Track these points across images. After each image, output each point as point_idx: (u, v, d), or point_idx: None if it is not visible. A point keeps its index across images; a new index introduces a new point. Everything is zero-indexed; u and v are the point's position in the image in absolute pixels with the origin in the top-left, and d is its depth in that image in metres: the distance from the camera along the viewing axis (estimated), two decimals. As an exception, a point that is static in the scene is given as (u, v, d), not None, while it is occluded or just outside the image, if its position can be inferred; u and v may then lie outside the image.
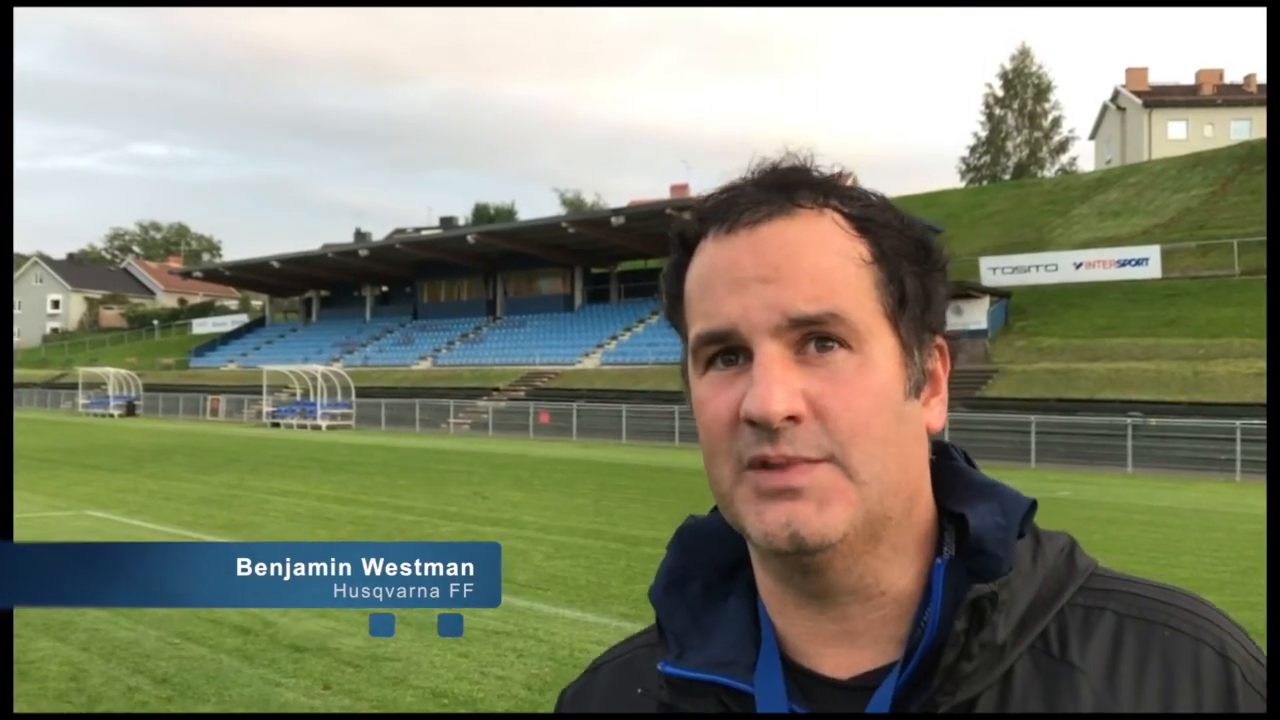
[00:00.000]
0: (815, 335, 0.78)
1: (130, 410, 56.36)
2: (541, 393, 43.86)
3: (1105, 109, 79.07)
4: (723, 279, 0.80)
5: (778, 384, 0.76)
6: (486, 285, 58.55)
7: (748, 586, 0.89)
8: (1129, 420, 26.92)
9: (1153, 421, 26.83)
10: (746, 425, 0.77)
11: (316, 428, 44.19)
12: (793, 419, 0.76)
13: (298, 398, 48.93)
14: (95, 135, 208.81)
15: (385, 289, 65.60)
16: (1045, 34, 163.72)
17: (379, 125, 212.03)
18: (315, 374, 47.30)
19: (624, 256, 53.74)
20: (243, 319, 76.79)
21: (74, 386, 62.03)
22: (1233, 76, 73.59)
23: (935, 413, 0.85)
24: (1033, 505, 0.84)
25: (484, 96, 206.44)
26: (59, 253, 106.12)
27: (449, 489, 18.40)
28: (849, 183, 0.85)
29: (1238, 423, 24.61)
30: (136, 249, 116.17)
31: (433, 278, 60.34)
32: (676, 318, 0.87)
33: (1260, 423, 24.55)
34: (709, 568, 0.91)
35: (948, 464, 0.89)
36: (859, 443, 0.77)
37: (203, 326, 77.86)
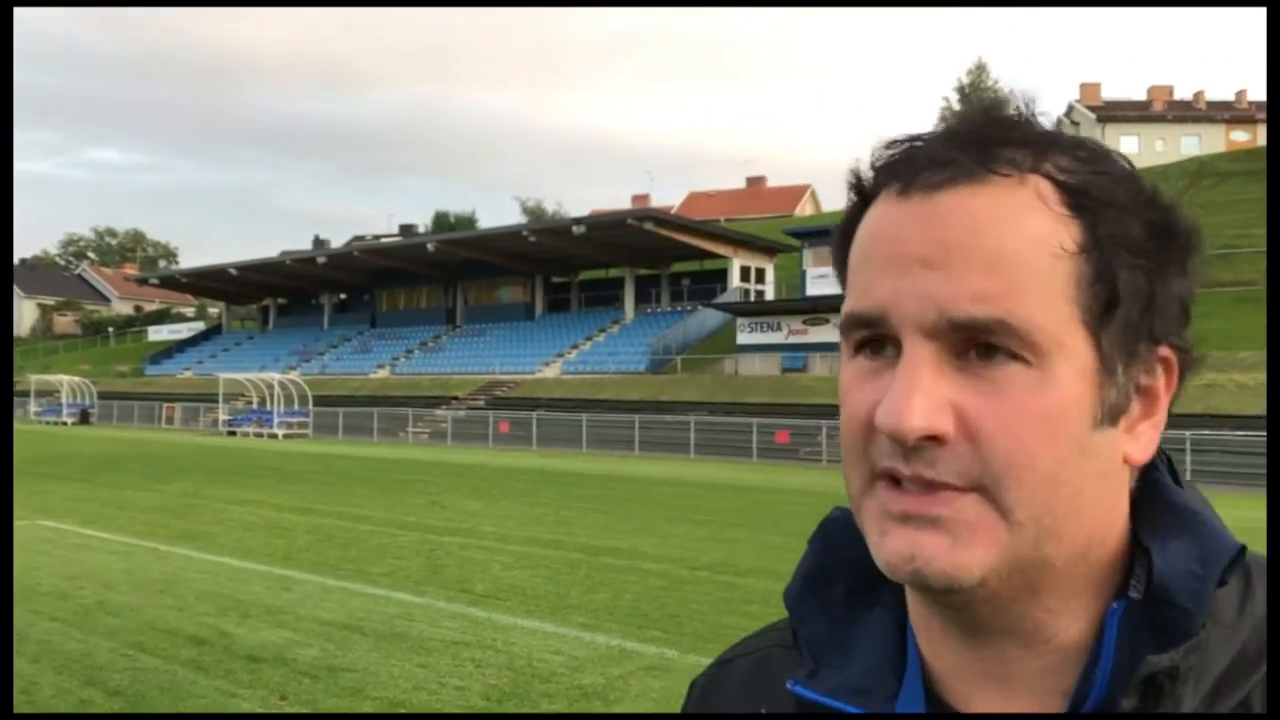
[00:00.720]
0: (983, 342, 0.64)
1: (84, 418, 55.56)
2: (501, 402, 43.75)
3: (1060, 123, 79.71)
4: (882, 251, 0.67)
5: (920, 393, 0.63)
6: (446, 293, 58.33)
7: (895, 598, 0.77)
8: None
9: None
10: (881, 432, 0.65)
11: (273, 436, 43.80)
12: (935, 439, 0.63)
13: (254, 406, 48.49)
14: (50, 139, 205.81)
15: (344, 297, 65.18)
16: (1002, 48, 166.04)
17: (338, 132, 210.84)
18: (272, 382, 46.91)
19: (585, 266, 53.81)
20: (199, 326, 76.01)
21: (26, 394, 60.98)
22: (1182, 93, 75.12)
23: (1142, 441, 0.69)
24: (1240, 551, 0.67)
25: (444, 104, 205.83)
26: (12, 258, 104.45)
27: (407, 498, 18.30)
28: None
29: (1187, 433, 25.14)
30: (91, 255, 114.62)
31: (392, 286, 60.05)
32: (841, 279, 0.73)
33: (1208, 433, 25.10)
34: (855, 569, 0.77)
35: (1145, 477, 0.72)
36: (1018, 475, 0.63)
37: (158, 334, 76.91)
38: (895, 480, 0.65)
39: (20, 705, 5.96)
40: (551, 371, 46.88)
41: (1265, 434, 23.60)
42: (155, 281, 72.99)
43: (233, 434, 45.34)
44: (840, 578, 0.78)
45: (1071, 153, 0.67)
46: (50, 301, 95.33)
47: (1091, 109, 73.99)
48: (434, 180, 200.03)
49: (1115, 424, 0.67)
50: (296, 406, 46.65)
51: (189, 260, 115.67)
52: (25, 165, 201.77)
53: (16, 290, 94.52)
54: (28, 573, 10.08)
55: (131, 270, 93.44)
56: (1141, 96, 75.39)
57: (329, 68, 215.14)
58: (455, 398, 45.46)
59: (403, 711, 6.03)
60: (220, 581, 9.91)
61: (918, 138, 0.69)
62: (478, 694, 6.39)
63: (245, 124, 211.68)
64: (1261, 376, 26.97)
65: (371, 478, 22.87)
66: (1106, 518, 0.68)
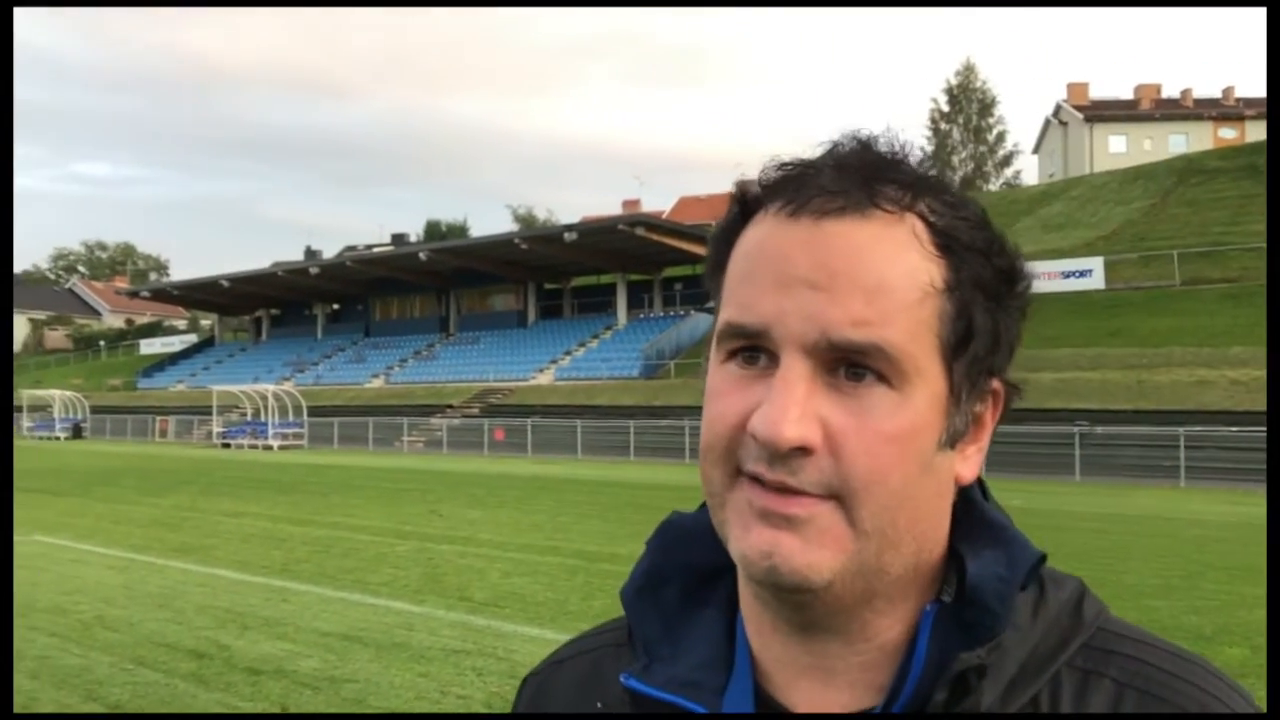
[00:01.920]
0: (854, 362, 0.69)
1: (77, 433, 55.39)
2: (496, 409, 43.71)
3: (1048, 123, 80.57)
4: (769, 270, 0.71)
5: (795, 407, 0.68)
6: (439, 302, 58.31)
7: (728, 599, 0.82)
8: (1076, 429, 27.38)
9: (1099, 430, 27.33)
10: (752, 438, 0.69)
11: (268, 448, 43.68)
12: (803, 449, 0.68)
13: (249, 418, 48.36)
14: (35, 154, 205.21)
15: (337, 307, 65.11)
16: (989, 49, 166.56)
17: (326, 142, 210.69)
18: (266, 393, 46.78)
19: (577, 272, 53.80)
20: (191, 339, 75.79)
21: (19, 410, 60.77)
22: (1170, 91, 75.36)
23: (970, 464, 0.76)
24: (1041, 558, 0.75)
25: (429, 113, 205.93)
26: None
27: (404, 508, 18.29)
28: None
29: (1180, 430, 25.18)
30: (82, 269, 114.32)
31: (385, 295, 60.01)
32: (714, 285, 0.78)
33: (1201, 429, 25.14)
34: (689, 572, 0.83)
35: (961, 493, 0.78)
36: (872, 491, 0.69)
37: (150, 347, 76.72)
38: (759, 480, 0.70)
39: (22, 721, 5.96)
40: (545, 378, 46.86)
41: (1260, 429, 23.65)
42: (146, 294, 72.79)
43: (227, 446, 45.21)
44: (675, 579, 0.83)
45: (939, 196, 0.73)
46: (41, 316, 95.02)
47: (1079, 109, 74.24)
48: (424, 189, 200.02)
49: (953, 447, 0.74)
50: (291, 417, 46.54)
51: (180, 272, 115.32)
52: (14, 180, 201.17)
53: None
54: (25, 588, 10.05)
55: (122, 283, 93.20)
56: (1129, 95, 75.66)
57: (311, 77, 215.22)
58: (450, 406, 45.41)
59: (401, 711, 6.04)
60: (218, 594, 9.90)
61: (807, 164, 0.74)
62: (480, 703, 6.39)
63: (232, 135, 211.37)
64: (1254, 372, 27.05)
65: (368, 487, 22.85)
66: (936, 530, 0.75)
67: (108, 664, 7.25)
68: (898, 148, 0.74)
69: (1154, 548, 13.17)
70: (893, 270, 0.69)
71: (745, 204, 0.76)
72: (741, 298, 0.72)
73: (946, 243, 0.71)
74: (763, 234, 0.73)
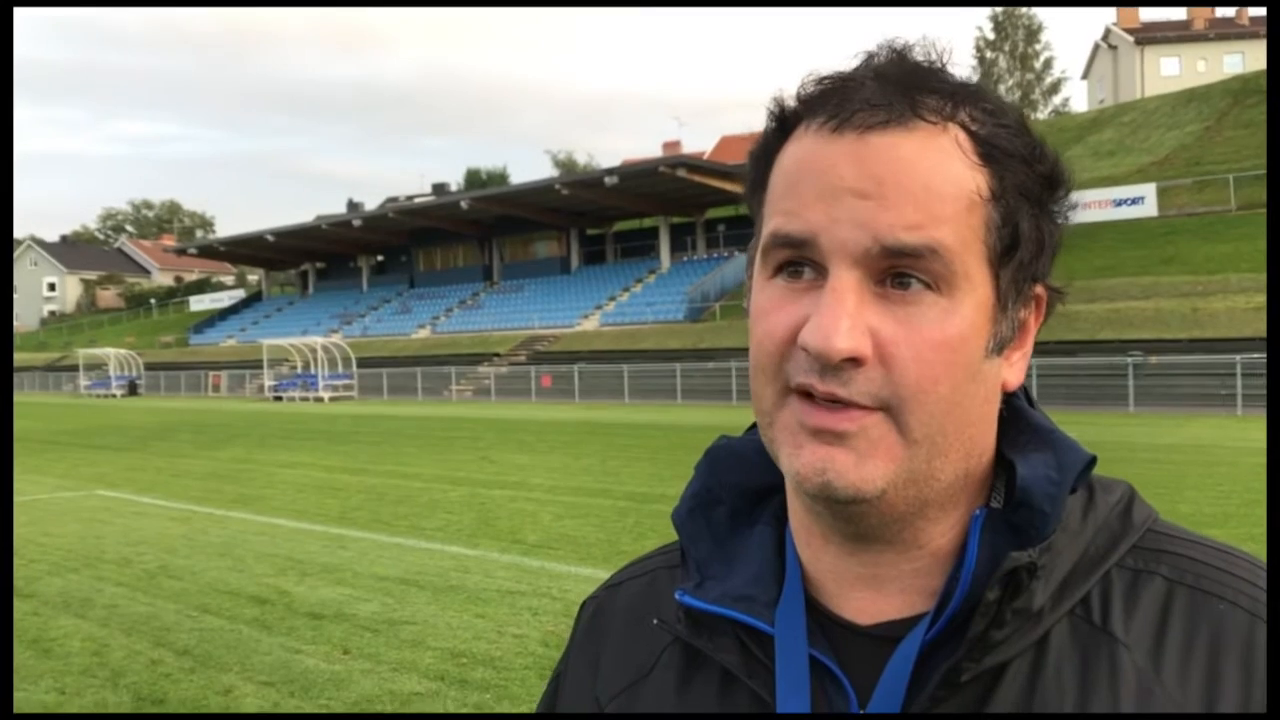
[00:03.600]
0: (903, 270, 0.69)
1: (132, 390, 56.48)
2: (542, 356, 43.92)
3: (1097, 48, 78.47)
4: (815, 181, 0.71)
5: (846, 317, 0.68)
6: (482, 250, 58.44)
7: (776, 516, 0.83)
8: (1129, 360, 26.99)
9: (1153, 360, 26.91)
10: (802, 351, 0.70)
11: (319, 400, 44.31)
12: (854, 360, 0.68)
13: (299, 370, 49.02)
14: (76, 115, 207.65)
15: (381, 259, 65.49)
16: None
17: (364, 94, 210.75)
18: (315, 346, 47.36)
19: (619, 217, 53.61)
20: (240, 294, 76.77)
21: (75, 369, 62.08)
22: (1224, 10, 72.97)
23: (1016, 369, 0.77)
24: (1092, 460, 0.75)
25: (463, 60, 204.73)
26: (52, 235, 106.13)
27: (455, 455, 18.49)
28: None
29: (1238, 358, 24.69)
30: (130, 228, 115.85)
31: (428, 245, 60.24)
32: (755, 204, 0.77)
33: (1259, 357, 24.62)
34: (738, 492, 0.84)
35: (1007, 402, 0.79)
36: (921, 400, 0.69)
37: (200, 303, 77.83)
38: (808, 395, 0.70)
39: (92, 666, 6.12)
40: (590, 324, 46.94)
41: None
42: (194, 251, 73.68)
43: (279, 399, 45.91)
44: (724, 500, 0.85)
45: (979, 105, 0.72)
46: (92, 276, 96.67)
47: (1129, 32, 72.18)
48: (463, 138, 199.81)
49: (1000, 354, 0.75)
50: (340, 369, 47.12)
51: (225, 229, 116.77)
52: (58, 142, 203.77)
53: (60, 267, 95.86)
54: (91, 541, 10.31)
55: (169, 241, 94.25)
56: (1181, 16, 73.42)
57: (346, 31, 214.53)
58: (497, 354, 45.69)
59: (462, 660, 6.13)
60: (277, 542, 10.08)
61: (847, 77, 0.73)
62: (536, 640, 6.47)
63: (269, 91, 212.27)
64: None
65: (419, 436, 23.11)
66: (984, 437, 0.76)
67: (174, 611, 7.42)
68: (935, 56, 0.74)
69: (1211, 477, 12.99)
70: (940, 179, 0.69)
71: (784, 120, 0.75)
72: (788, 207, 0.72)
73: (989, 151, 0.71)
74: (805, 149, 0.73)
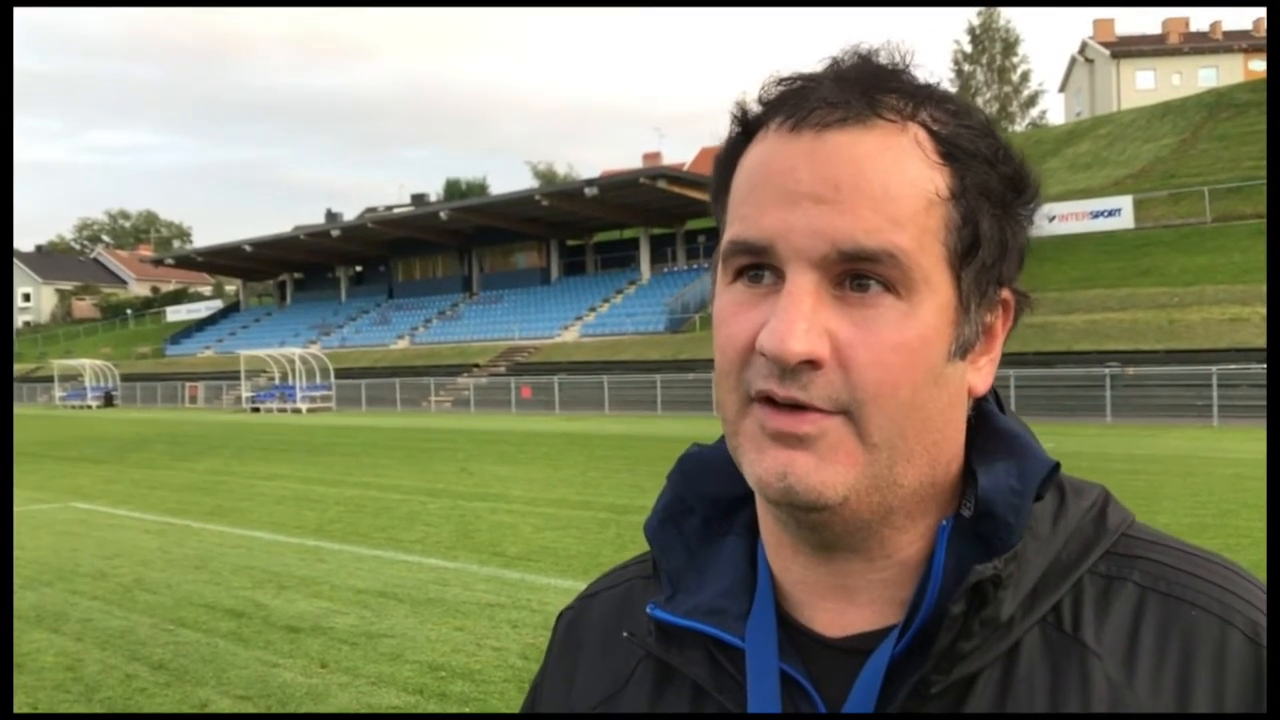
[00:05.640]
0: (861, 273, 0.68)
1: (108, 401, 56.01)
2: (522, 367, 43.84)
3: (1074, 61, 79.21)
4: (772, 185, 0.70)
5: (802, 320, 0.67)
6: (461, 261, 58.32)
7: (747, 527, 0.83)
8: (1107, 370, 27.17)
9: (1130, 371, 27.10)
10: (761, 356, 0.69)
11: (297, 411, 44.05)
12: (811, 363, 0.68)
13: (276, 382, 48.73)
14: (51, 125, 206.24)
15: (359, 269, 65.24)
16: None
17: (344, 104, 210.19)
18: (293, 357, 47.10)
19: (599, 227, 53.63)
20: (217, 305, 76.29)
21: (50, 379, 61.52)
22: (1199, 24, 73.93)
23: (983, 374, 0.76)
24: (1055, 467, 0.74)
25: (443, 70, 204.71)
26: (27, 245, 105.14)
27: (435, 466, 18.41)
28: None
29: (1213, 368, 24.91)
30: (106, 238, 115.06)
31: (407, 256, 60.07)
32: (719, 209, 0.77)
33: (1235, 368, 24.88)
34: (709, 502, 0.84)
35: (977, 408, 0.78)
36: (880, 403, 0.68)
37: (177, 314, 77.30)
38: (770, 401, 0.69)
39: (66, 681, 6.05)
40: (570, 335, 46.90)
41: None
42: (171, 262, 73.12)
43: (256, 410, 45.61)
44: (696, 510, 0.84)
45: (942, 105, 0.72)
46: (68, 287, 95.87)
47: (1105, 45, 72.93)
48: (443, 149, 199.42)
49: (964, 358, 0.73)
50: (319, 380, 46.86)
51: (203, 239, 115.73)
52: (33, 152, 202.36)
53: (35, 278, 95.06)
54: (66, 554, 10.19)
55: (146, 251, 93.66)
56: (1156, 30, 74.23)
57: (323, 40, 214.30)
58: (476, 365, 45.58)
59: (441, 674, 6.09)
60: (254, 555, 10.00)
61: (808, 78, 0.72)
62: (516, 653, 6.44)
63: (245, 100, 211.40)
64: (1286, 308, 26.65)
65: (398, 447, 23.01)
66: (950, 443, 0.74)
67: (149, 625, 7.34)
68: (898, 58, 0.73)
69: (1187, 487, 13.07)
70: (897, 179, 0.68)
71: (746, 123, 0.75)
72: (745, 214, 0.72)
73: (950, 150, 0.70)
74: (765, 151, 0.72)
